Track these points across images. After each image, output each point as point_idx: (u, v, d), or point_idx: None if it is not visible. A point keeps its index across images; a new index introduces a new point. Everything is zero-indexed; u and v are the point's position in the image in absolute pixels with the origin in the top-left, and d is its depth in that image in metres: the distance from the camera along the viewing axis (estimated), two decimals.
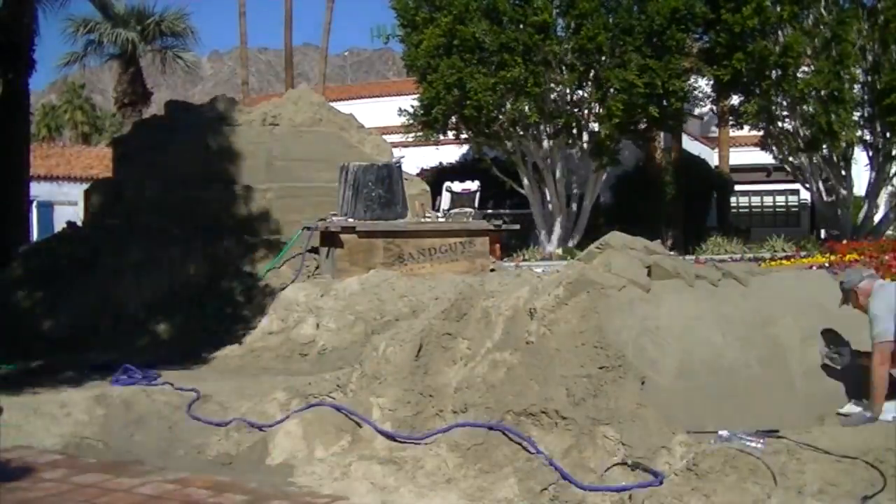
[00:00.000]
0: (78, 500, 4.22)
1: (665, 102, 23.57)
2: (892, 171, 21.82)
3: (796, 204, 34.37)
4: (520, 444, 4.32)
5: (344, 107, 16.50)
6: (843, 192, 22.52)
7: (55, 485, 4.46)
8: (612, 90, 22.07)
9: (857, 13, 20.27)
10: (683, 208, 27.40)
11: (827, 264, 12.15)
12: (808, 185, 23.85)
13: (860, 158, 23.70)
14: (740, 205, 35.59)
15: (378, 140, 13.30)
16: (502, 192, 26.48)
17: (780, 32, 21.29)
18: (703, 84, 24.87)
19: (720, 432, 4.29)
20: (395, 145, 17.66)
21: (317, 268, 9.92)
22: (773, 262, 14.61)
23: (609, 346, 4.66)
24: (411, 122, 23.86)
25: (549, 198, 23.85)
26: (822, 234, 24.39)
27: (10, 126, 12.66)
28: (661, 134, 27.12)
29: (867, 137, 21.90)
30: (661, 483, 3.92)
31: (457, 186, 11.54)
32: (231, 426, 5.36)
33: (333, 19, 34.93)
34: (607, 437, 4.28)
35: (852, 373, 5.22)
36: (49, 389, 6.56)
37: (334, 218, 10.01)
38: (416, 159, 28.87)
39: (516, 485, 4.11)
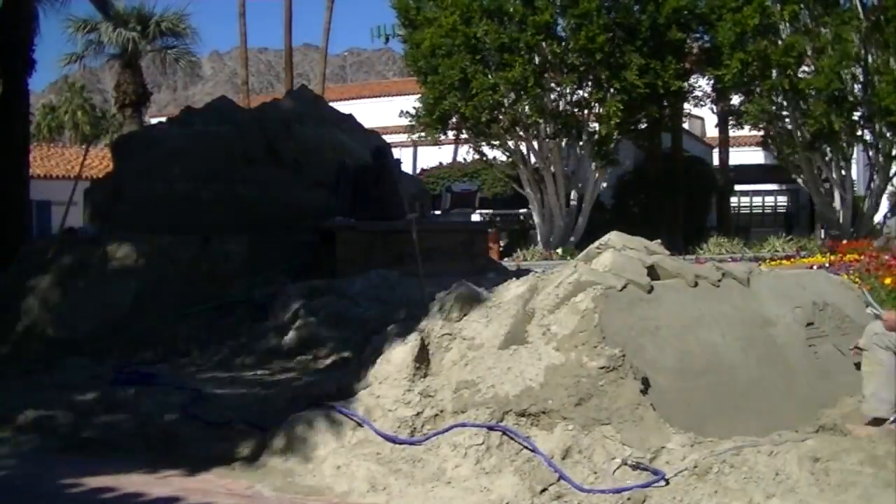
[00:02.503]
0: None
1: (665, 103, 23.60)
2: (892, 171, 21.83)
3: (796, 204, 34.37)
4: (520, 444, 4.32)
5: (344, 107, 16.51)
6: (843, 192, 22.53)
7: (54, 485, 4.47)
8: (612, 90, 22.10)
9: (858, 13, 20.30)
10: (683, 208, 27.42)
11: (827, 264, 12.14)
12: (808, 185, 23.87)
13: (860, 158, 23.72)
14: (741, 205, 35.60)
15: (378, 140, 13.30)
16: (503, 192, 26.52)
17: (780, 32, 21.31)
18: (704, 84, 24.88)
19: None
20: (395, 145, 17.67)
21: (317, 268, 9.90)
22: (773, 262, 14.61)
23: (609, 346, 4.66)
24: (412, 122, 23.88)
25: (548, 198, 23.86)
26: (822, 234, 24.40)
27: (10, 126, 12.65)
28: (662, 134, 27.14)
29: (867, 137, 21.91)
30: (666, 483, 3.92)
31: (457, 187, 11.54)
32: (230, 426, 5.36)
33: (333, 19, 34.94)
34: (607, 437, 4.28)
35: (854, 374, 5.23)
36: (51, 390, 6.56)
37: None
38: (417, 159, 28.88)
39: (516, 485, 4.11)
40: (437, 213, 11.34)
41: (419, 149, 27.95)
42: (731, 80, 21.85)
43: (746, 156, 32.94)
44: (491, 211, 25.84)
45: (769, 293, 5.53)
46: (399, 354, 5.33)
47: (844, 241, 17.73)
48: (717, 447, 4.15)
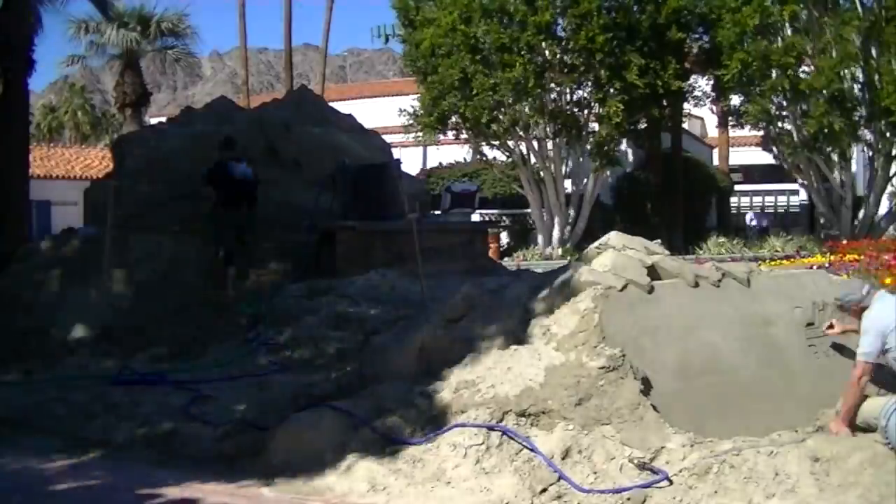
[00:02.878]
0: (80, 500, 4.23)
1: (665, 102, 23.61)
2: (892, 171, 21.83)
3: (796, 204, 34.37)
4: (520, 444, 4.32)
5: (344, 107, 16.49)
6: (843, 192, 22.53)
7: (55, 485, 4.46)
8: (612, 90, 22.09)
9: (858, 13, 20.29)
10: (683, 208, 27.41)
11: (827, 264, 12.15)
12: (808, 185, 23.87)
13: (860, 158, 23.70)
14: (741, 206, 35.59)
15: (378, 140, 13.30)
16: (503, 192, 26.53)
17: (781, 32, 21.31)
18: (704, 84, 24.89)
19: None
20: (395, 145, 17.66)
21: (317, 268, 9.91)
22: (773, 262, 14.61)
23: (609, 346, 4.66)
24: (411, 122, 23.88)
25: (548, 198, 23.86)
26: (822, 234, 24.39)
27: (10, 126, 12.67)
28: (662, 134, 27.13)
29: (867, 137, 21.90)
30: (670, 483, 3.91)
31: (457, 187, 11.55)
32: (231, 426, 5.35)
33: (333, 19, 34.89)
34: (607, 437, 4.29)
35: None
36: (49, 389, 6.56)
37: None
38: (417, 159, 28.88)
39: (516, 485, 4.11)
40: (438, 213, 11.32)
41: (417, 148, 27.94)
42: (731, 80, 21.85)
43: (746, 156, 32.94)
44: (497, 211, 25.87)
45: (769, 293, 5.53)
46: (399, 355, 5.34)
47: (844, 241, 17.71)
48: (717, 447, 4.15)
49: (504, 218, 25.27)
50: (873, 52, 20.19)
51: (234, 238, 9.72)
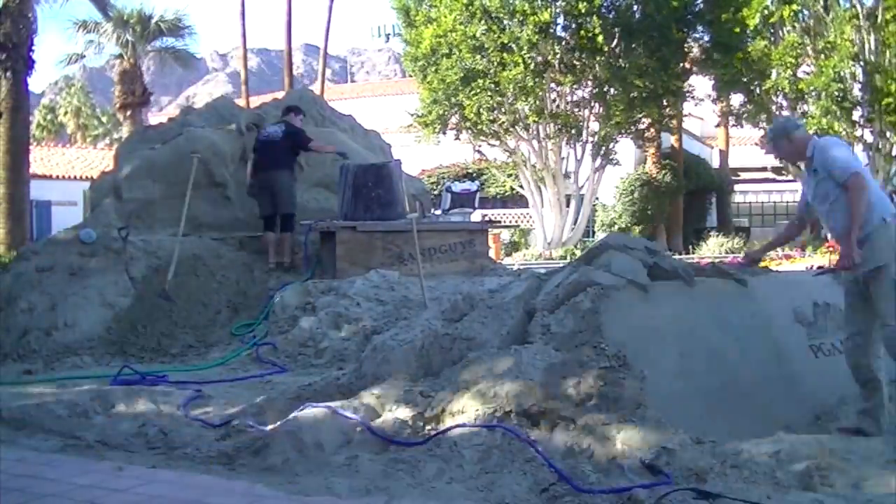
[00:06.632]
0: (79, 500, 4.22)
1: (665, 102, 23.63)
2: (892, 171, 21.84)
3: (796, 204, 34.39)
4: (520, 444, 4.32)
5: (344, 107, 16.50)
6: None
7: (54, 484, 4.46)
8: (612, 90, 22.11)
9: (858, 13, 20.32)
10: (683, 208, 27.44)
11: (827, 264, 12.16)
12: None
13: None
14: (740, 205, 35.61)
15: (378, 140, 13.29)
16: (503, 192, 26.55)
17: (781, 32, 21.33)
18: (704, 83, 24.92)
19: None
20: (396, 145, 17.65)
21: (317, 267, 9.92)
22: (773, 263, 14.62)
23: (609, 346, 4.66)
24: (411, 122, 23.91)
25: (548, 198, 23.87)
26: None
27: (10, 126, 12.69)
28: (662, 134, 27.15)
29: (867, 137, 21.92)
30: (670, 482, 3.91)
31: (457, 186, 11.54)
32: (230, 426, 5.35)
33: (333, 19, 34.88)
34: (607, 437, 4.28)
35: (852, 374, 5.23)
36: (49, 389, 6.56)
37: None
38: (417, 159, 28.95)
39: (516, 485, 4.11)
40: (438, 213, 11.33)
41: (418, 148, 28.00)
42: (731, 80, 21.89)
43: (747, 156, 32.94)
44: (501, 210, 25.90)
45: (769, 293, 5.54)
46: (399, 354, 5.34)
47: None
48: (717, 447, 4.15)
49: (506, 219, 25.32)
50: (873, 52, 20.20)
51: (269, 203, 9.90)
